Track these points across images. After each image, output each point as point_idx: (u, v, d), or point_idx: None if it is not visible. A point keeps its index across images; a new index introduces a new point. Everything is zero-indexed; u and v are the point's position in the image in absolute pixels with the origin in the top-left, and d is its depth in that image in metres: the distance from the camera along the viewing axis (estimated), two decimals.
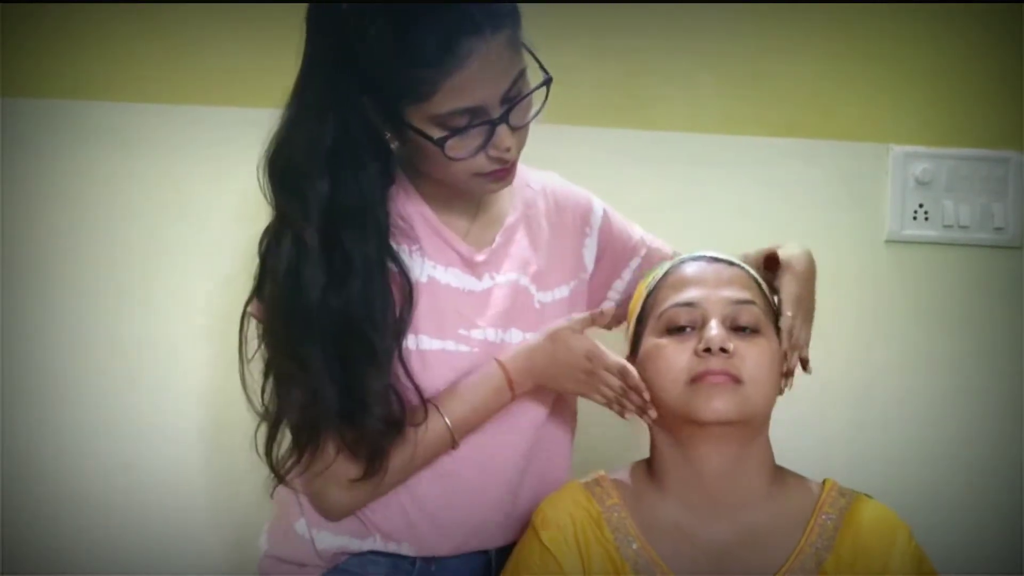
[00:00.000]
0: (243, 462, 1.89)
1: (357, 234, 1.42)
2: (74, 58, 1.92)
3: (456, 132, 1.38)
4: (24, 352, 1.91)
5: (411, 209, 1.51)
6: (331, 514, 1.49)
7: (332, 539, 1.50)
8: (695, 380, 1.42)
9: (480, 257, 1.54)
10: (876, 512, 1.46)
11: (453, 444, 1.48)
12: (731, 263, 1.52)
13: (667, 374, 1.44)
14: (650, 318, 1.50)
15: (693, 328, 1.45)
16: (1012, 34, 1.98)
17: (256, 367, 1.48)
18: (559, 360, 1.49)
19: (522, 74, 1.41)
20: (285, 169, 1.44)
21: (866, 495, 1.49)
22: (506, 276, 1.55)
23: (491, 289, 1.54)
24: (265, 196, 1.46)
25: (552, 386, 1.53)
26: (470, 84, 1.36)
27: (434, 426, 1.46)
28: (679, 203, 1.96)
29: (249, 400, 1.47)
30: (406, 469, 1.47)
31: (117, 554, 1.89)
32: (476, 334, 1.51)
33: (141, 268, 1.93)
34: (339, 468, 1.44)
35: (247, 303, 1.49)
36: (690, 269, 1.52)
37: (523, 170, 1.59)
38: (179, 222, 1.93)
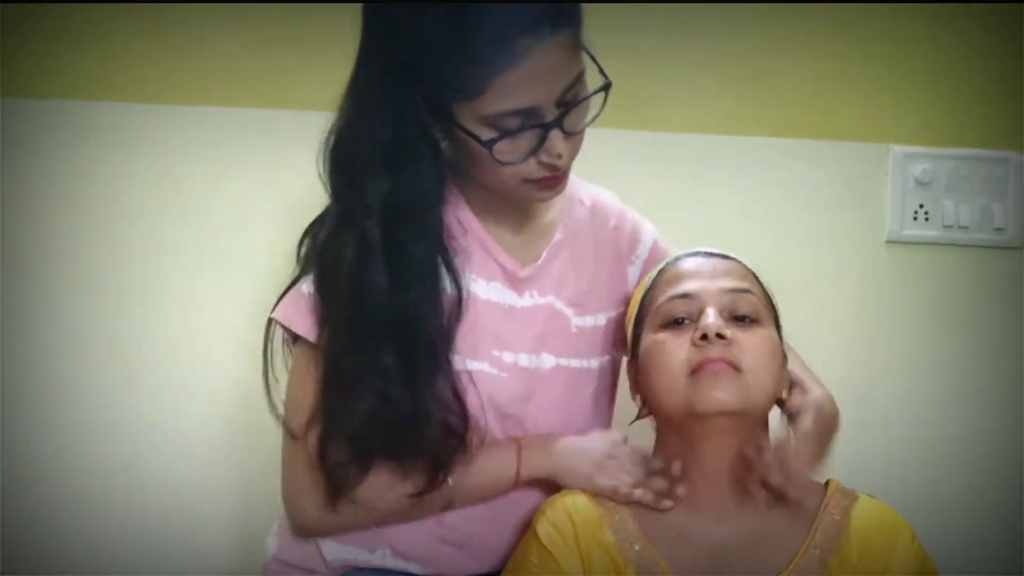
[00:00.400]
0: (245, 462, 1.92)
1: (417, 234, 1.37)
2: (74, 58, 1.92)
3: (506, 134, 1.32)
4: (24, 352, 1.91)
5: (456, 217, 1.45)
6: (303, 529, 1.46)
7: (339, 549, 1.47)
8: (695, 371, 1.40)
9: (524, 273, 1.49)
10: (879, 512, 1.46)
11: (447, 506, 1.44)
12: (726, 256, 1.51)
13: (667, 368, 1.42)
14: (647, 316, 1.49)
15: (691, 320, 1.43)
16: (1012, 34, 1.98)
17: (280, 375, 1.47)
18: (579, 449, 1.45)
19: (580, 77, 1.36)
20: (346, 164, 1.38)
21: (868, 495, 1.49)
22: (545, 297, 1.50)
23: (531, 308, 1.49)
24: (326, 190, 1.42)
25: (565, 479, 1.46)
26: (523, 84, 1.30)
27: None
28: (680, 204, 1.96)
29: (272, 407, 1.46)
30: (392, 507, 1.42)
31: (117, 554, 1.89)
32: (507, 357, 1.47)
33: (141, 268, 1.92)
34: (393, 484, 1.40)
35: (275, 306, 1.45)
36: (685, 264, 1.51)
37: (576, 183, 1.54)
38: (179, 222, 1.93)
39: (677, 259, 1.53)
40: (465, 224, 1.46)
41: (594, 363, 1.55)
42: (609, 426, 1.58)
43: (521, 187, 1.39)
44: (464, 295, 1.40)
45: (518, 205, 1.49)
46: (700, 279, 1.47)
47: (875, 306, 2.00)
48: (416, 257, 1.37)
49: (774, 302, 1.51)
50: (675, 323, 1.44)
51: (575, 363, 1.52)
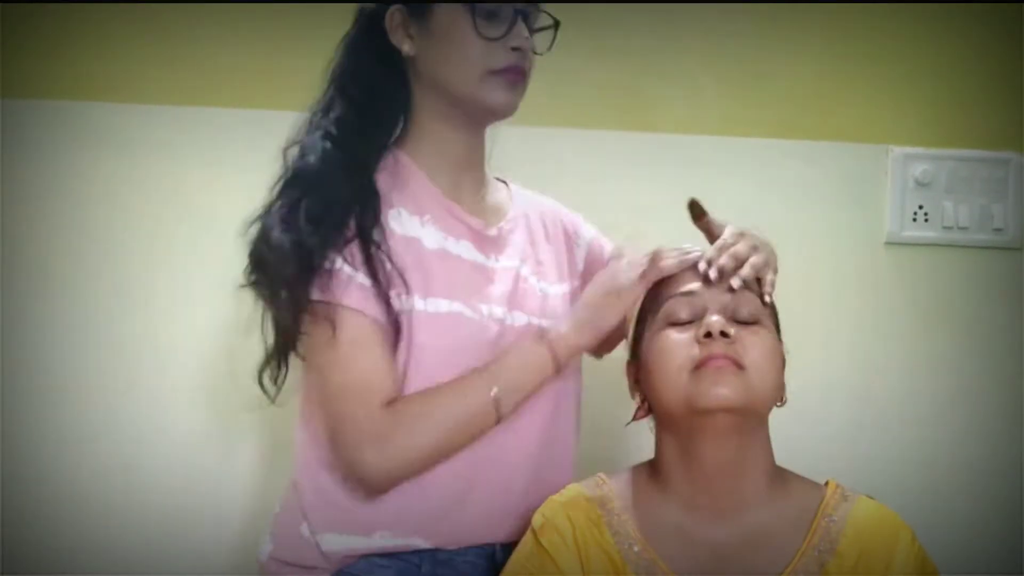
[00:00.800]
0: (244, 463, 1.92)
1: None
2: (74, 58, 1.92)
3: (486, 7, 1.49)
4: (24, 352, 1.91)
5: (416, 187, 1.55)
6: (373, 482, 1.47)
7: (338, 540, 1.49)
8: (698, 367, 1.40)
9: (492, 232, 1.59)
10: (878, 514, 1.46)
11: (497, 418, 1.49)
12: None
13: (670, 364, 1.43)
14: (650, 314, 1.50)
15: (694, 320, 1.44)
16: (1012, 34, 1.99)
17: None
18: (587, 295, 1.54)
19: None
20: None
21: (867, 496, 1.49)
22: (510, 261, 1.59)
23: (497, 269, 1.57)
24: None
25: (601, 325, 1.54)
26: None
27: (479, 396, 1.48)
28: (680, 204, 1.96)
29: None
30: (451, 435, 1.47)
31: (117, 554, 1.89)
32: (483, 307, 1.53)
33: (141, 268, 1.92)
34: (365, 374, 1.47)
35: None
36: (687, 269, 1.51)
37: (518, 187, 1.69)
38: (179, 223, 1.93)
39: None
40: (427, 193, 1.55)
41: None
42: (577, 381, 1.66)
43: (486, 81, 1.51)
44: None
45: (473, 173, 1.60)
46: (703, 279, 1.47)
47: (875, 306, 2.00)
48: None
49: (773, 303, 1.52)
50: (678, 323, 1.45)
51: (545, 323, 1.58)
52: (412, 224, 1.52)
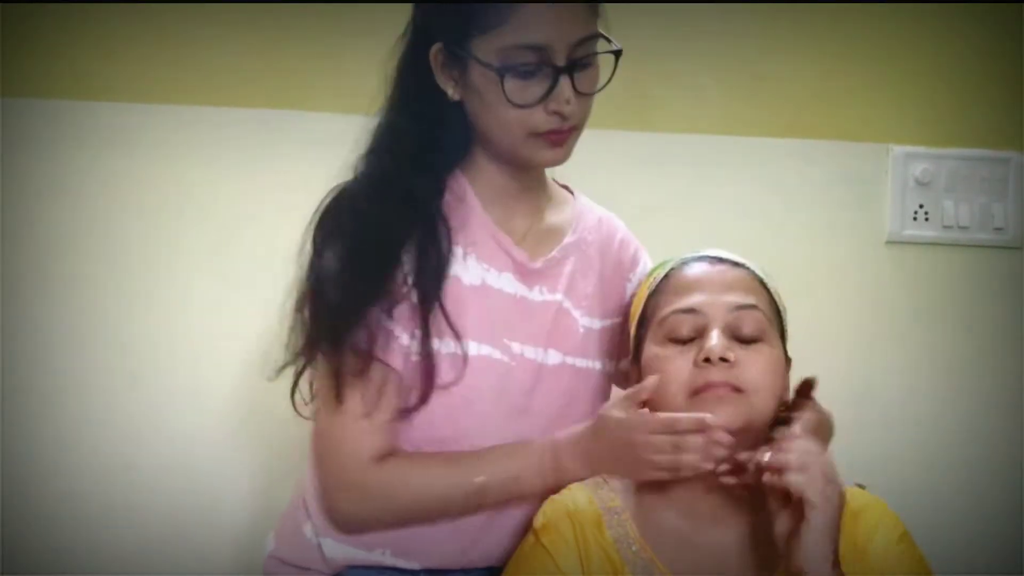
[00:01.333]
0: (245, 462, 1.91)
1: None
2: (74, 58, 1.92)
3: (519, 68, 1.37)
4: (24, 351, 1.90)
5: (467, 212, 1.49)
6: (342, 525, 1.46)
7: (338, 548, 1.48)
8: (697, 392, 1.39)
9: (536, 265, 1.51)
10: (863, 503, 1.44)
11: (478, 506, 1.45)
12: (735, 263, 1.49)
13: (668, 386, 1.41)
14: (652, 322, 1.47)
15: (695, 337, 1.42)
16: (1012, 34, 1.99)
17: None
18: (605, 439, 1.42)
19: (594, 39, 1.41)
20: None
21: (858, 485, 1.48)
22: (553, 294, 1.52)
23: (541, 304, 1.51)
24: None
25: (609, 473, 1.45)
26: (541, 20, 1.37)
27: (464, 480, 1.44)
28: (680, 204, 1.96)
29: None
30: (426, 508, 1.44)
31: (117, 554, 1.89)
32: (515, 347, 1.48)
33: (141, 268, 1.92)
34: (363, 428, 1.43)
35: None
36: (692, 271, 1.48)
37: (586, 199, 1.62)
38: (179, 222, 1.93)
39: (684, 263, 1.50)
40: (477, 219, 1.49)
41: (597, 365, 1.56)
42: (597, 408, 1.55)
43: (527, 142, 1.42)
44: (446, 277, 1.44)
45: (529, 200, 1.53)
46: (706, 292, 1.44)
47: (875, 306, 2.00)
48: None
49: (781, 308, 1.49)
50: (679, 339, 1.42)
51: (580, 362, 1.53)
52: (455, 260, 1.46)
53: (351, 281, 1.40)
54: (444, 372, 1.43)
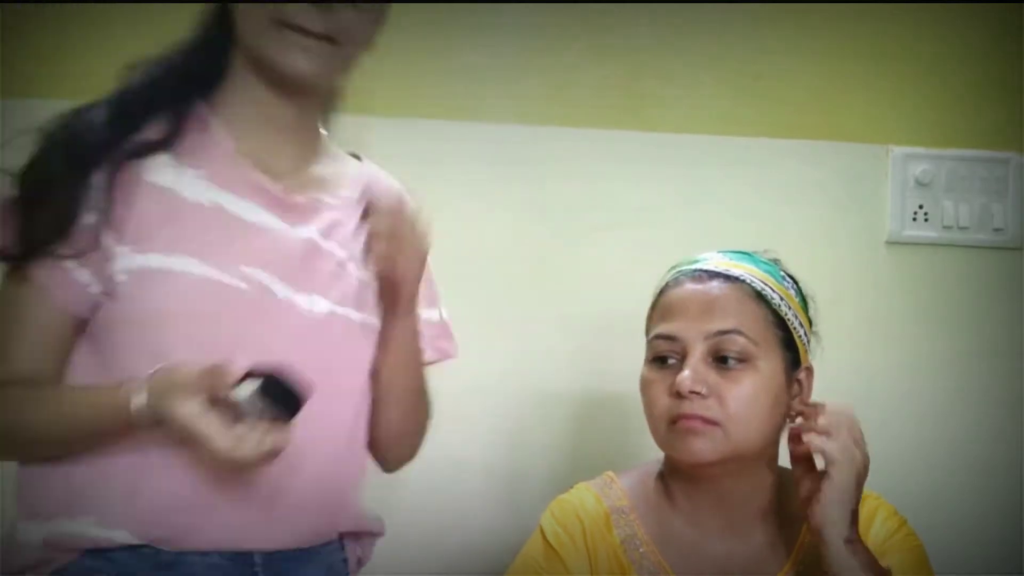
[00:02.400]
0: None
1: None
2: (74, 58, 1.92)
3: None
4: None
5: (203, 141, 1.34)
6: None
7: (40, 528, 1.26)
8: (673, 421, 1.39)
9: (299, 198, 1.35)
10: (863, 500, 1.45)
11: (62, 438, 1.26)
12: (729, 277, 1.44)
13: (651, 413, 1.42)
14: (647, 331, 1.47)
15: (676, 359, 1.40)
16: (1012, 34, 1.98)
17: None
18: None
19: None
20: None
21: None
22: (316, 234, 1.35)
23: (293, 239, 1.33)
24: None
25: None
26: None
27: (59, 400, 1.27)
28: (679, 204, 1.96)
29: None
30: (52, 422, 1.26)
31: None
32: (259, 275, 1.29)
33: None
34: None
35: None
36: (677, 292, 1.45)
37: (377, 170, 1.48)
38: None
39: (677, 278, 1.48)
40: (215, 149, 1.34)
41: (374, 321, 1.40)
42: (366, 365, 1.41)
43: (272, 33, 1.28)
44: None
45: (295, 142, 1.38)
46: (686, 317, 1.41)
47: (875, 306, 1.99)
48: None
49: (790, 317, 1.45)
50: (662, 360, 1.42)
51: (355, 315, 1.37)
52: (172, 174, 1.30)
53: (47, 207, 1.27)
54: (132, 289, 1.25)
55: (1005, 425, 1.99)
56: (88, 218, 1.27)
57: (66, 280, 1.27)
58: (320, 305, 1.33)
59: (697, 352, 1.39)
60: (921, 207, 2.01)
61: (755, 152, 1.98)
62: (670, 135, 1.97)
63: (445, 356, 1.53)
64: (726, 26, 1.96)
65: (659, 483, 1.48)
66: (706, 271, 1.45)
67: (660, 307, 1.46)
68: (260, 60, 1.31)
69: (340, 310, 1.35)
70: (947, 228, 2.01)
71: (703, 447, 1.37)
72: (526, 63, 1.93)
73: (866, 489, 1.38)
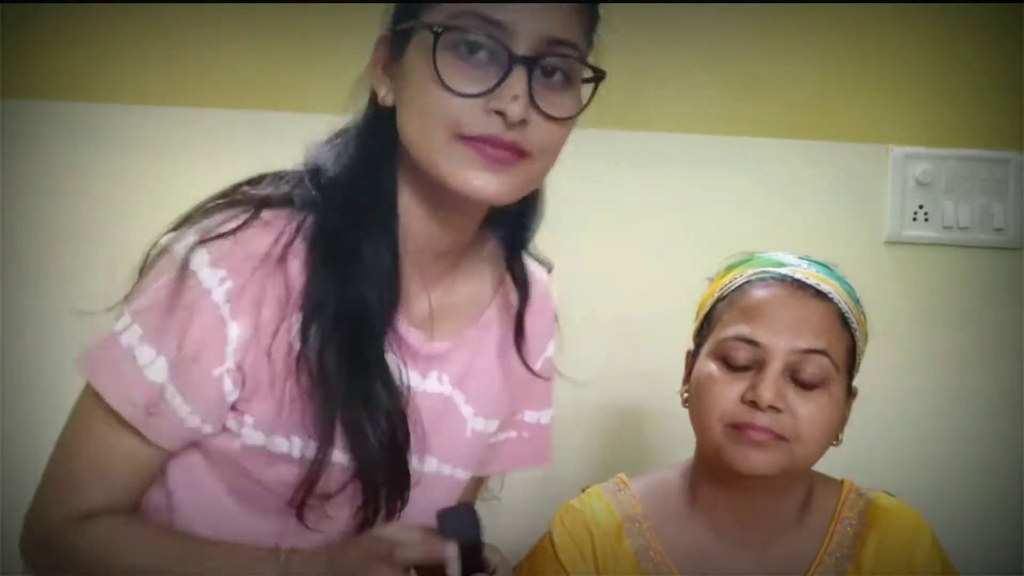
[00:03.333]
0: None
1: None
2: (74, 58, 1.92)
3: (463, 37, 1.05)
4: (24, 352, 1.90)
5: None
6: (22, 548, 1.24)
7: None
8: (736, 427, 1.33)
9: (437, 347, 1.19)
10: (897, 513, 1.43)
11: None
12: (819, 292, 1.38)
13: (711, 412, 1.34)
14: (712, 331, 1.39)
15: (751, 367, 1.34)
16: (1012, 34, 1.98)
17: None
18: (346, 558, 1.09)
19: (571, 47, 1.10)
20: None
21: (886, 493, 1.47)
22: (453, 386, 1.21)
23: (431, 396, 1.20)
24: None
25: None
26: None
27: (195, 555, 1.14)
28: (678, 205, 1.96)
29: None
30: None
31: None
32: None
33: None
34: None
35: None
36: (765, 294, 1.37)
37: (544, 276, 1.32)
38: None
39: (762, 277, 1.39)
40: None
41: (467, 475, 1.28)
42: None
43: (449, 148, 1.07)
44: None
45: (445, 266, 1.20)
46: (774, 325, 1.34)
47: (874, 306, 1.98)
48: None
49: (861, 344, 1.41)
50: (733, 364, 1.35)
51: (460, 474, 1.25)
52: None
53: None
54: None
55: (1005, 425, 1.99)
56: None
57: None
58: (430, 466, 1.22)
59: (779, 365, 1.33)
60: (921, 207, 2.01)
61: (755, 152, 1.98)
62: (670, 135, 1.97)
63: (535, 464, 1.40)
64: (726, 26, 1.96)
65: (679, 490, 1.44)
66: (796, 280, 1.39)
67: (741, 306, 1.38)
68: (430, 177, 1.11)
69: (448, 470, 1.25)
70: (947, 228, 2.01)
71: (765, 460, 1.32)
72: None
73: (900, 502, 1.39)
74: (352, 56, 1.86)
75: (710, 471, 1.40)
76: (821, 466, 1.53)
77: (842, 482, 1.48)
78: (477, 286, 1.24)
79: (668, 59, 1.96)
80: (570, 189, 1.93)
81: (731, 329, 1.36)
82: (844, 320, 1.39)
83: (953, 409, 1.99)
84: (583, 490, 1.49)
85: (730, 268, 1.44)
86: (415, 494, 1.17)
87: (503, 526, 1.88)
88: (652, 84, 1.96)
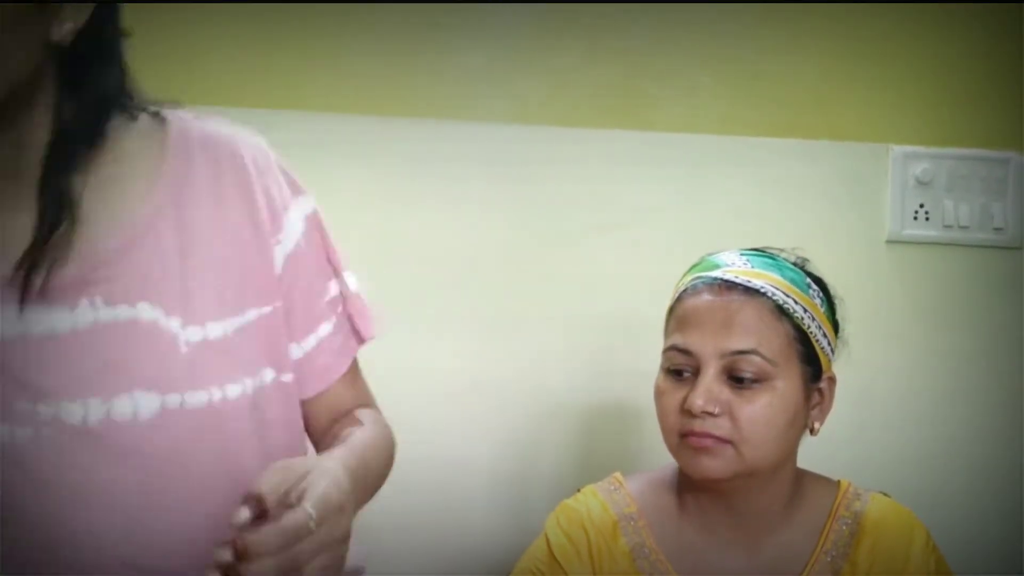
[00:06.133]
0: None
1: None
2: None
3: None
4: None
5: None
6: None
7: None
8: (683, 435, 1.36)
9: (70, 275, 0.98)
10: (893, 513, 1.44)
11: None
12: (749, 289, 1.39)
13: (663, 423, 1.40)
14: (665, 336, 1.44)
15: (691, 373, 1.37)
16: (1012, 34, 1.98)
17: None
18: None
19: None
20: None
21: (882, 493, 1.47)
22: (123, 307, 1.00)
23: (91, 329, 0.99)
24: None
25: None
26: None
27: None
28: (678, 204, 1.96)
29: None
30: None
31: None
32: (45, 410, 0.97)
33: None
34: None
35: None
36: (695, 302, 1.40)
37: (185, 118, 1.10)
38: None
39: (696, 284, 1.42)
40: None
41: (233, 391, 1.04)
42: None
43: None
44: None
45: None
46: (703, 331, 1.37)
47: (875, 306, 1.99)
48: None
49: (812, 331, 1.42)
50: (676, 371, 1.39)
51: (194, 399, 1.03)
52: None
53: None
54: None
55: (1005, 425, 1.99)
56: None
57: None
58: (124, 407, 1.02)
59: (712, 369, 1.35)
60: (921, 206, 2.01)
61: (755, 152, 1.98)
62: (670, 135, 1.97)
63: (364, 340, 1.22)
64: (725, 26, 1.96)
65: (672, 491, 1.46)
66: (726, 281, 1.40)
67: (676, 316, 1.42)
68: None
69: (172, 399, 1.04)
70: (947, 227, 2.01)
71: (713, 465, 1.34)
72: (525, 63, 1.93)
73: (896, 502, 1.40)
74: (352, 55, 1.88)
75: (686, 476, 1.43)
76: (821, 466, 1.54)
77: (839, 482, 1.48)
78: (129, 166, 1.04)
79: (668, 59, 1.96)
80: (571, 189, 1.94)
81: (669, 340, 1.41)
82: (781, 311, 1.39)
83: (953, 409, 1.99)
84: (579, 489, 1.50)
85: (681, 277, 1.48)
86: (133, 454, 0.99)
87: (500, 526, 1.89)
88: (652, 84, 1.96)
